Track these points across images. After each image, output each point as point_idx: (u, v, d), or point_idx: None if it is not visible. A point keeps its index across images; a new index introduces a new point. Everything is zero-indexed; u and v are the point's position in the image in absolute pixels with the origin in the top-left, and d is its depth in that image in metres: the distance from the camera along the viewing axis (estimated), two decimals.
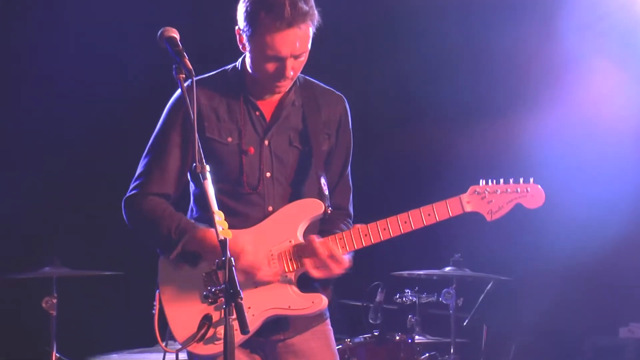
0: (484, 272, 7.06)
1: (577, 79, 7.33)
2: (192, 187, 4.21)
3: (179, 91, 4.05)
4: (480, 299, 7.13)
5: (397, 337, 6.68)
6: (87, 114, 7.37)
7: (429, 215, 4.04)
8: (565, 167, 6.91)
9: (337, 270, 4.02)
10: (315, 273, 4.02)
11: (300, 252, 4.03)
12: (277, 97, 4.14)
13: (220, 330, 3.93)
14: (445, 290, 6.92)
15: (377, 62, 7.81)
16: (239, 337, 3.69)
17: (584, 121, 7.30)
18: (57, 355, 6.30)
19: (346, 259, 4.04)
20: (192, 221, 4.05)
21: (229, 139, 4.08)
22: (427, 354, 6.78)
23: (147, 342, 6.30)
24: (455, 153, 7.45)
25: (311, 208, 4.10)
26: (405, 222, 4.04)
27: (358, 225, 4.10)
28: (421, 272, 7.02)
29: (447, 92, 7.63)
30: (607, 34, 7.30)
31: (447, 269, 6.99)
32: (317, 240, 4.01)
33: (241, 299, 3.37)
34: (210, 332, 3.95)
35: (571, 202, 7.02)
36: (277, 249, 4.05)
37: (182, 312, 4.01)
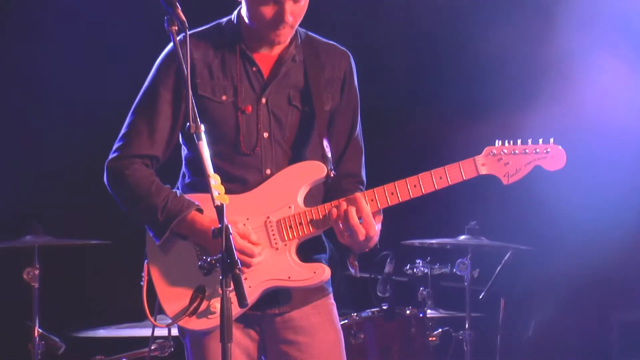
0: (502, 241, 7.05)
1: (580, 74, 7.33)
2: (184, 150, 4.20)
3: (170, 45, 4.05)
4: (497, 270, 7.10)
5: (408, 312, 6.68)
6: (70, 71, 7.38)
7: (441, 178, 4.04)
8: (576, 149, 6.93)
9: (361, 236, 4.00)
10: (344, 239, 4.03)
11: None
12: (276, 51, 4.13)
13: (214, 303, 3.96)
14: (459, 260, 6.91)
15: (379, 54, 7.87)
16: (235, 311, 3.67)
17: (589, 117, 7.33)
18: (40, 330, 6.30)
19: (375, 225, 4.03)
20: (181, 196, 4.03)
21: (223, 97, 4.08)
22: (440, 330, 6.80)
23: (137, 317, 6.31)
24: (455, 149, 7.45)
25: (312, 171, 4.09)
26: (415, 186, 4.04)
27: (363, 192, 4.09)
28: (434, 241, 7.02)
29: (446, 88, 7.75)
30: (612, 28, 7.34)
31: (462, 237, 6.98)
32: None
33: (239, 269, 3.40)
34: (204, 305, 3.97)
35: (595, 170, 7.04)
36: (276, 216, 4.05)
37: (173, 284, 4.03)
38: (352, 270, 4.15)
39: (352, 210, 3.99)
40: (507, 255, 7.10)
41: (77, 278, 7.42)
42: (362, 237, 4.02)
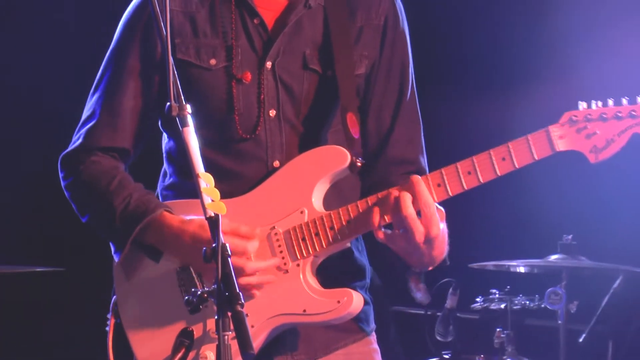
0: (609, 261, 7.08)
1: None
2: (164, 139, 4.21)
3: None
4: (604, 303, 7.15)
5: None
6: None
7: (504, 159, 3.91)
8: None
9: (420, 235, 3.83)
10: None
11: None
12: None
13: (205, 351, 3.94)
14: (550, 290, 6.98)
15: None
16: None
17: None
18: None
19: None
20: (149, 195, 4.02)
21: (212, 61, 4.06)
22: None
23: None
24: (451, 136, 7.64)
25: (330, 160, 4.03)
26: (470, 173, 3.92)
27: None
28: (514, 262, 7.07)
29: (444, 71, 8.10)
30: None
31: (554, 257, 7.03)
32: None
33: (242, 305, 3.32)
34: (191, 355, 3.96)
35: None
36: (284, 225, 3.98)
37: (149, 327, 4.05)
38: (418, 295, 4.06)
39: (406, 198, 3.84)
40: (618, 281, 7.13)
41: (21, 316, 7.59)
42: (420, 237, 3.84)
